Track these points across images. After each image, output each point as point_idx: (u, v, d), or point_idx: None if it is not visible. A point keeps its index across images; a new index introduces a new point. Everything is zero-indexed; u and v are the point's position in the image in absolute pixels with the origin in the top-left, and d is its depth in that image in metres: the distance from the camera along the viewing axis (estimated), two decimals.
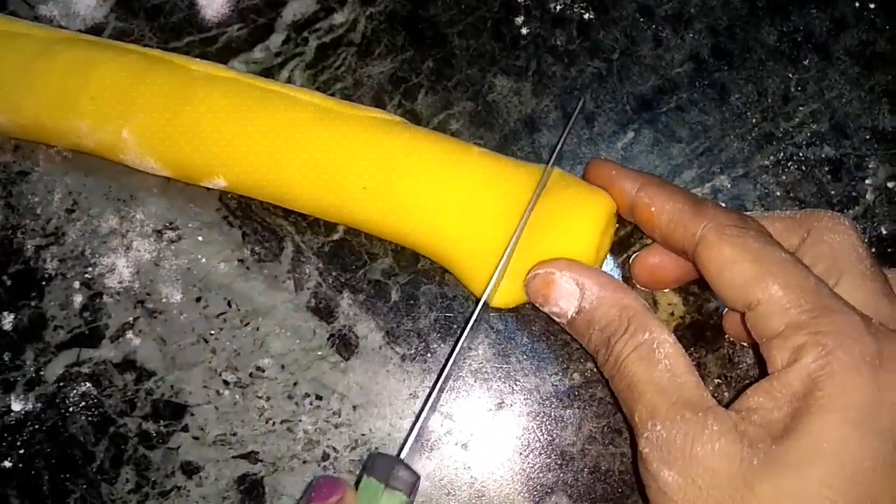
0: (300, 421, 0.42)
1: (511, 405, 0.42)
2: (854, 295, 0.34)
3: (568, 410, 0.42)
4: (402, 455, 0.36)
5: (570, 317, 0.37)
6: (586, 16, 0.49)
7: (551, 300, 0.38)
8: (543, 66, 0.48)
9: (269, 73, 0.48)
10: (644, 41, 0.48)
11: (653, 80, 0.48)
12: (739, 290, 0.34)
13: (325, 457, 0.42)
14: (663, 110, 0.47)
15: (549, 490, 0.41)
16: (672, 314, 0.44)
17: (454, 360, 0.39)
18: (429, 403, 0.38)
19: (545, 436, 0.42)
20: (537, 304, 0.39)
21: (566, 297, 0.37)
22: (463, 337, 0.39)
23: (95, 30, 0.48)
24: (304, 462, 0.42)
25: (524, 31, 0.48)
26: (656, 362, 0.34)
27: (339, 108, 0.43)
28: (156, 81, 0.42)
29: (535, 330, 0.43)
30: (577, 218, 0.39)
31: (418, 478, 0.35)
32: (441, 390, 0.39)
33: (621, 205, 0.40)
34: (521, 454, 0.42)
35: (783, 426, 0.31)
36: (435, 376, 0.43)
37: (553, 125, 0.47)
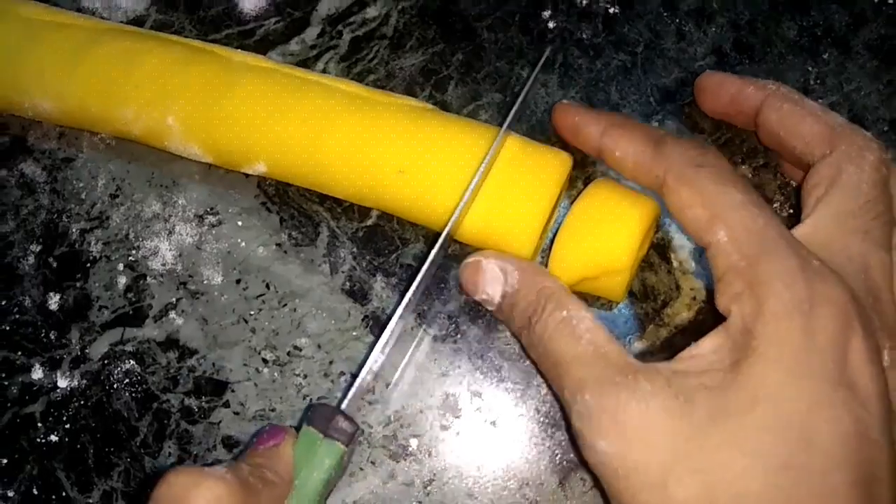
0: (336, 398, 0.44)
1: (538, 384, 0.44)
2: (826, 230, 0.35)
3: None
4: (343, 406, 0.36)
5: (496, 303, 0.39)
6: (612, 10, 0.50)
7: (480, 287, 0.39)
8: (570, 59, 0.49)
9: (304, 64, 0.49)
10: (667, 35, 0.50)
11: (676, 73, 0.49)
12: (695, 234, 0.35)
13: (361, 433, 0.43)
14: (686, 102, 0.48)
15: (574, 466, 0.43)
16: (694, 298, 0.45)
17: (407, 305, 0.39)
18: (374, 351, 0.38)
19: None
20: (469, 293, 0.40)
21: (492, 284, 0.39)
22: (421, 273, 0.40)
23: (136, 22, 0.50)
24: None
25: (551, 24, 0.50)
26: (578, 337, 0.35)
27: (373, 95, 0.44)
28: (198, 70, 0.44)
29: None
30: (619, 226, 0.40)
31: (357, 428, 0.35)
32: (389, 337, 0.39)
33: (589, 150, 0.41)
34: (547, 432, 0.43)
35: (721, 377, 0.31)
36: (465, 357, 0.44)
37: None
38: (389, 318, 0.39)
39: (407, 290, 0.40)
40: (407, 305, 0.39)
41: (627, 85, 0.49)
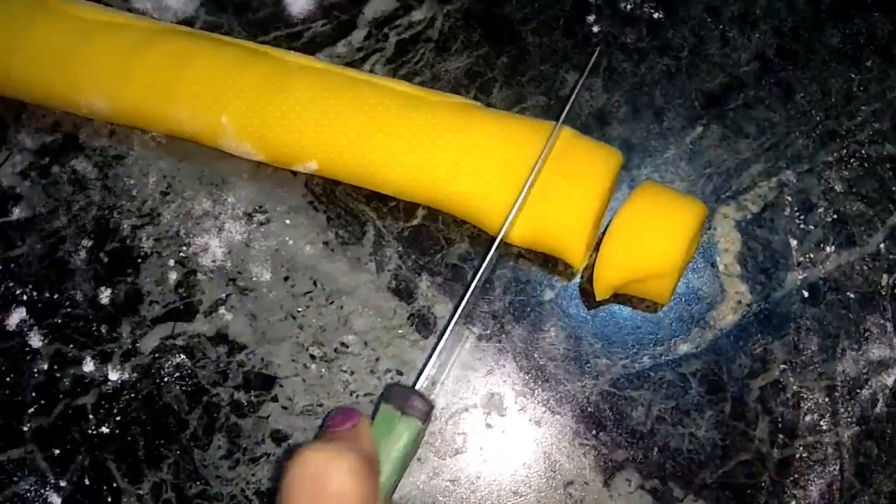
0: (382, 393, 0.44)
1: (583, 384, 0.44)
2: None
3: (638, 391, 0.44)
4: (418, 386, 0.37)
5: None
6: (656, 15, 0.50)
7: None
8: (614, 63, 0.50)
9: (351, 66, 0.50)
10: (712, 40, 0.50)
11: (720, 78, 0.49)
12: None
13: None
14: (731, 107, 0.49)
15: (619, 466, 0.43)
16: (740, 302, 0.45)
17: (472, 293, 0.40)
18: (444, 337, 0.39)
19: (615, 415, 0.44)
20: None
21: None
22: (480, 273, 0.41)
23: (186, 23, 0.51)
24: None
25: (595, 28, 0.50)
26: None
27: (422, 94, 0.45)
28: (252, 70, 0.45)
29: (604, 314, 0.45)
30: (667, 229, 0.41)
31: (432, 406, 0.36)
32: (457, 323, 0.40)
33: None
34: (592, 432, 0.43)
35: None
36: (510, 356, 0.45)
37: (623, 119, 0.49)
38: (455, 311, 0.40)
39: (466, 290, 0.41)
40: (466, 303, 0.40)
41: (672, 89, 0.49)
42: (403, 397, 0.36)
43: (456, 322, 0.40)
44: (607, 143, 0.45)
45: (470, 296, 0.41)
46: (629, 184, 0.47)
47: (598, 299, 0.43)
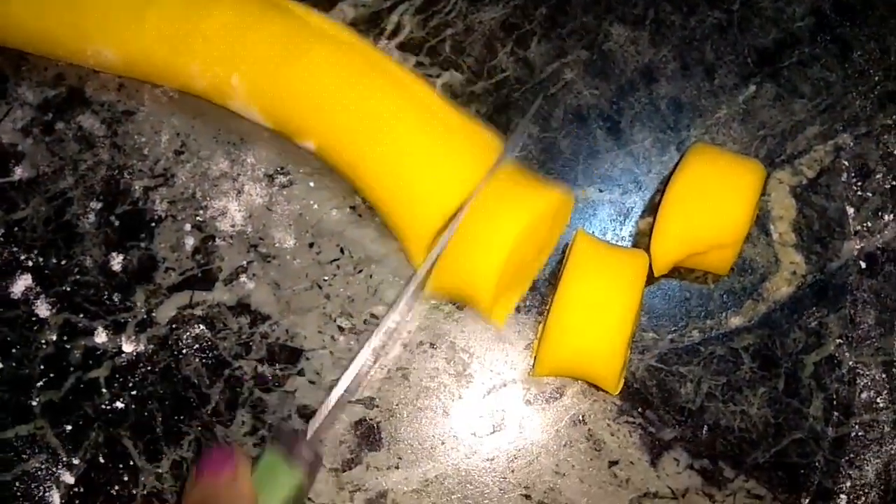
0: (414, 369, 0.42)
1: (629, 361, 0.42)
2: None
3: (686, 367, 0.42)
4: (309, 435, 0.34)
5: None
6: None
7: None
8: (661, 15, 0.46)
9: (377, 17, 0.46)
10: None
11: (774, 34, 0.46)
12: None
13: (442, 405, 0.41)
14: (785, 65, 0.46)
15: (666, 445, 0.41)
16: (794, 273, 0.43)
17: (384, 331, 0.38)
18: (346, 377, 0.36)
19: (663, 392, 0.41)
20: None
21: None
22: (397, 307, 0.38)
23: None
24: (420, 409, 0.41)
25: None
26: None
27: (445, 111, 0.41)
28: (270, 29, 0.41)
29: (651, 286, 0.43)
30: (730, 197, 0.38)
31: (320, 458, 0.34)
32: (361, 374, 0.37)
33: None
34: (638, 409, 0.41)
35: None
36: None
37: (672, 76, 0.45)
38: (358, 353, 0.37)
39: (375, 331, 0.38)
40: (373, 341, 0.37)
41: (723, 45, 0.46)
42: (290, 443, 0.33)
43: (360, 363, 0.37)
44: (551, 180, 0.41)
45: (382, 333, 0.37)
46: (678, 146, 0.44)
47: (655, 276, 0.40)
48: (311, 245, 0.43)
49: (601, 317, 0.37)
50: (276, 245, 0.43)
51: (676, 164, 0.44)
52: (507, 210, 0.37)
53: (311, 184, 0.44)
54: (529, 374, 0.41)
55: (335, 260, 0.43)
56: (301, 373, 0.42)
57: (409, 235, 0.40)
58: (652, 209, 0.44)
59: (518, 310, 0.43)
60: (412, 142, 0.39)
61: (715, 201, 0.38)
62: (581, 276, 0.37)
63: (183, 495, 0.31)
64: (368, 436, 0.41)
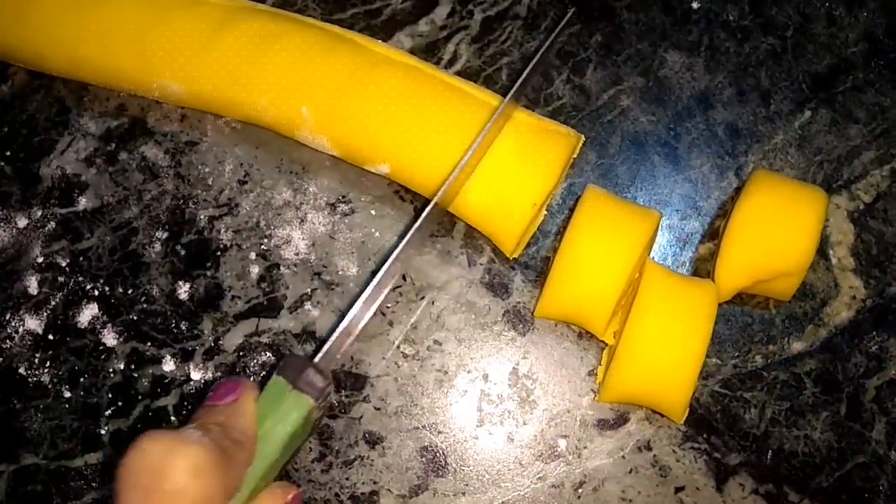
0: (478, 393, 0.42)
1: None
2: None
3: (750, 392, 0.42)
4: (317, 359, 0.33)
5: None
6: None
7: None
8: (716, 42, 0.47)
9: (434, 46, 0.47)
10: (817, 19, 0.47)
11: (828, 59, 0.47)
12: None
13: (506, 432, 0.42)
14: (839, 90, 0.46)
15: (732, 471, 0.41)
16: (854, 297, 0.43)
17: (395, 259, 0.36)
18: (355, 307, 0.35)
19: (727, 417, 0.42)
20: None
21: None
22: (409, 234, 0.37)
23: None
24: (490, 434, 0.42)
25: (695, 5, 0.47)
26: None
27: (521, 115, 0.42)
28: (336, 59, 0.42)
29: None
30: (796, 225, 0.39)
31: (330, 383, 0.32)
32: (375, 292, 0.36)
33: None
34: (703, 435, 0.41)
35: None
36: (602, 350, 0.42)
37: (728, 102, 0.46)
38: (375, 273, 0.36)
39: (390, 252, 0.37)
40: (388, 269, 0.36)
41: (778, 71, 0.46)
42: (297, 370, 0.31)
43: (373, 289, 0.35)
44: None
45: (394, 260, 0.36)
46: (736, 172, 0.45)
47: (720, 302, 0.40)
48: (373, 272, 0.44)
49: (673, 348, 0.37)
50: (340, 273, 0.44)
51: (736, 189, 0.44)
52: (623, 236, 0.39)
53: (373, 212, 0.45)
54: (594, 399, 0.42)
55: (397, 287, 0.44)
56: (366, 399, 0.42)
57: (501, 230, 0.42)
58: (712, 234, 0.44)
59: (580, 336, 0.43)
60: (490, 148, 0.41)
61: (781, 230, 0.38)
62: (653, 307, 0.38)
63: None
64: (434, 462, 0.42)
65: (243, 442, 0.29)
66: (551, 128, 0.42)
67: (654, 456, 0.41)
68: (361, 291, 0.36)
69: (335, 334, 0.34)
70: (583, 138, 0.44)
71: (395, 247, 0.37)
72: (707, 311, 0.37)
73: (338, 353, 0.35)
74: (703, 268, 0.44)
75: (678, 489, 0.41)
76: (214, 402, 0.30)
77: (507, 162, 0.41)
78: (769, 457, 0.41)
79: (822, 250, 0.43)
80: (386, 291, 0.37)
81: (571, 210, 0.44)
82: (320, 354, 0.33)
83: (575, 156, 0.44)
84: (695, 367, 0.37)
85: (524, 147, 0.41)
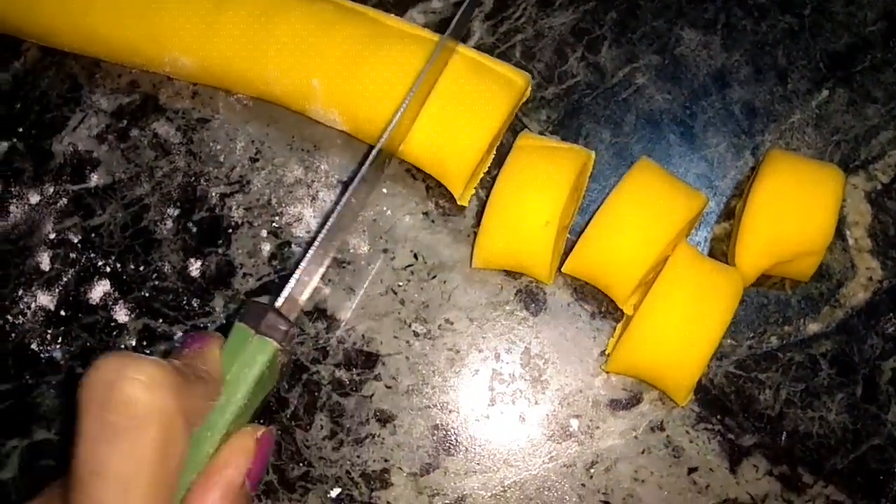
0: (490, 373, 0.42)
1: (706, 368, 0.42)
2: None
3: (765, 374, 0.41)
4: (277, 304, 0.32)
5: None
6: None
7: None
8: (733, 20, 0.46)
9: (447, 24, 0.46)
10: None
11: (846, 38, 0.46)
12: None
13: (518, 411, 0.42)
14: (858, 69, 0.45)
15: (746, 452, 0.41)
16: (870, 279, 0.43)
17: (345, 203, 0.36)
18: (312, 248, 0.34)
19: (741, 398, 0.41)
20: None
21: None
22: (356, 180, 0.36)
23: None
24: (501, 413, 0.42)
25: None
26: None
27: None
28: (346, 31, 0.42)
29: None
30: (816, 204, 0.39)
31: (292, 326, 0.32)
32: (327, 237, 0.35)
33: None
34: (717, 416, 0.41)
35: None
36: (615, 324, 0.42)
37: (744, 81, 0.45)
38: (327, 218, 0.36)
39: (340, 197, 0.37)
40: (340, 214, 0.35)
41: (795, 49, 0.46)
42: (258, 316, 0.31)
43: (328, 230, 0.35)
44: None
45: (344, 204, 0.35)
46: (753, 151, 0.44)
47: (743, 287, 0.40)
48: (384, 251, 0.44)
49: (689, 329, 0.37)
50: (351, 251, 0.44)
51: (752, 169, 0.44)
52: (667, 210, 0.39)
53: (384, 190, 0.45)
54: (602, 367, 0.41)
55: (409, 266, 0.44)
56: (377, 377, 0.42)
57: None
58: (728, 214, 0.44)
59: (593, 316, 0.43)
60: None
61: (800, 210, 0.38)
62: (677, 284, 0.37)
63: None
64: (445, 441, 0.41)
65: (205, 378, 0.29)
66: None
67: (668, 436, 0.41)
68: (319, 229, 0.35)
69: (295, 277, 0.33)
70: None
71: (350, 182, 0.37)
72: (728, 299, 0.37)
73: (300, 298, 0.34)
74: (718, 247, 0.43)
75: (691, 470, 0.41)
76: (183, 349, 0.30)
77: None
78: (783, 438, 0.41)
79: (839, 231, 0.43)
80: (384, 263, 0.38)
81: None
82: (280, 299, 0.33)
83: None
84: (707, 352, 0.37)
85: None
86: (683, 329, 0.37)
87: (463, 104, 0.41)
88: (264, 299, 0.43)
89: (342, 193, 0.38)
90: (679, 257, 0.38)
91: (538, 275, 0.41)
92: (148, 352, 0.43)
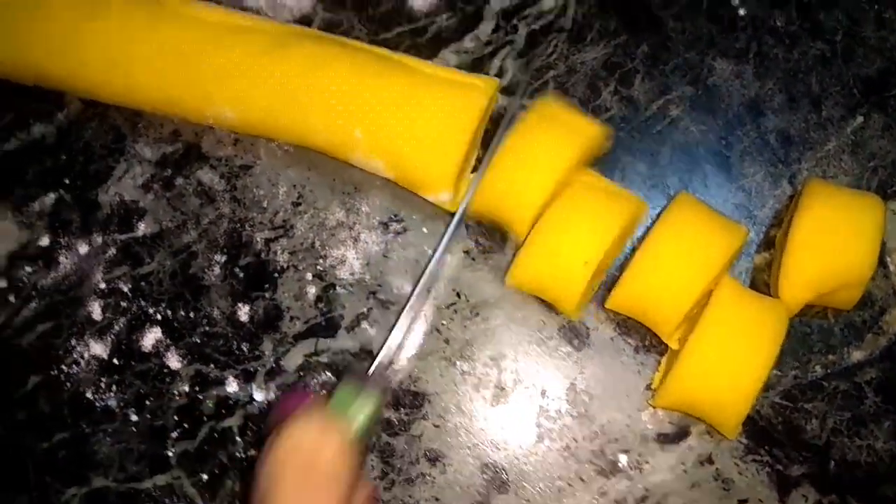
0: (537, 409, 0.43)
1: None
2: None
3: (811, 403, 0.42)
4: (370, 372, 0.37)
5: None
6: None
7: None
8: (764, 49, 0.46)
9: (480, 62, 0.47)
10: (867, 22, 0.47)
11: (878, 63, 0.46)
12: None
13: (566, 447, 0.42)
14: (892, 93, 0.46)
15: (795, 482, 0.41)
16: None
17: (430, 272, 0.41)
18: (399, 320, 0.39)
19: (789, 429, 0.42)
20: None
21: None
22: (439, 249, 0.41)
23: (303, 21, 0.48)
24: (549, 450, 0.42)
25: (741, 11, 0.47)
26: None
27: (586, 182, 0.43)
28: (388, 81, 0.42)
29: None
30: (859, 235, 0.39)
31: (389, 386, 0.38)
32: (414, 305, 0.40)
33: None
34: (765, 447, 0.41)
35: None
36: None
37: (778, 109, 0.46)
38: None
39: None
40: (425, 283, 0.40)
41: (828, 76, 0.46)
42: (360, 378, 0.36)
43: (415, 299, 0.39)
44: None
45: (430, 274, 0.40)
46: (790, 179, 0.45)
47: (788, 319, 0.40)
48: (428, 290, 0.44)
49: (737, 364, 0.37)
50: (395, 291, 0.45)
51: (790, 198, 0.44)
52: (710, 244, 0.40)
53: (425, 230, 0.45)
54: (649, 402, 0.42)
55: (452, 304, 0.44)
56: (425, 416, 0.43)
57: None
58: (768, 244, 0.44)
59: (637, 350, 0.43)
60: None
61: (841, 242, 0.38)
62: (724, 319, 0.38)
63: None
64: (496, 479, 0.42)
65: None
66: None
67: (717, 469, 0.41)
68: (403, 307, 0.40)
69: (381, 354, 0.38)
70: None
71: (432, 259, 0.40)
72: (775, 332, 0.37)
73: (388, 368, 0.40)
74: (759, 277, 0.43)
75: (741, 502, 0.41)
76: (286, 408, 0.34)
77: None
78: (832, 467, 0.41)
79: (880, 258, 0.43)
80: (428, 303, 0.41)
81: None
82: (373, 367, 0.38)
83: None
84: (756, 386, 0.37)
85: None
86: (732, 365, 0.37)
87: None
88: (327, 344, 0.44)
89: (428, 262, 0.42)
90: (724, 292, 0.39)
91: (565, 309, 0.42)
92: (201, 397, 0.44)
